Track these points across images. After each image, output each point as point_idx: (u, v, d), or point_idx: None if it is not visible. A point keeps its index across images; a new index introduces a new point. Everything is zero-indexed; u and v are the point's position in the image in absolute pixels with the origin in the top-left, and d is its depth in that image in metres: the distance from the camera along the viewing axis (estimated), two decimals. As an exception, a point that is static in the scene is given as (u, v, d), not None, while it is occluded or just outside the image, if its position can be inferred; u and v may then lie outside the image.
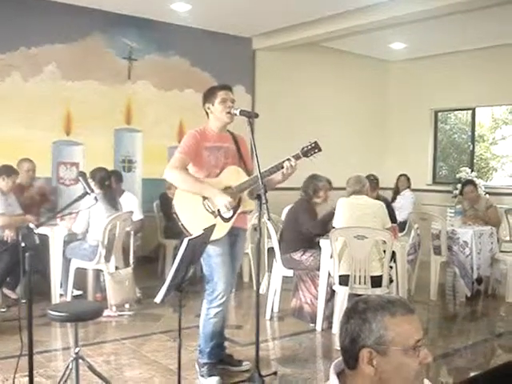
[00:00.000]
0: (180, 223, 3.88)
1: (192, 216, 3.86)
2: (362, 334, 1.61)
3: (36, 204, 6.49)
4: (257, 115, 4.11)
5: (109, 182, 6.05)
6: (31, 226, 2.99)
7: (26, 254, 2.93)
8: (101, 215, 5.68)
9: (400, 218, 7.83)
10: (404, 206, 8.64)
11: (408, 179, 9.07)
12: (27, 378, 3.05)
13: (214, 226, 3.62)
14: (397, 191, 9.03)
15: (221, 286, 3.95)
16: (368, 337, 1.60)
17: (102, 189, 5.78)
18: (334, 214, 5.27)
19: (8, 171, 5.89)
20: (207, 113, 4.08)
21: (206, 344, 4.07)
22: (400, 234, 6.62)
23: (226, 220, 3.91)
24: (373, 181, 6.45)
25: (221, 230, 3.87)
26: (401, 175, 9.15)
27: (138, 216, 6.84)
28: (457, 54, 9.97)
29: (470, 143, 10.74)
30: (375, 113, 11.10)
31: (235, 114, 3.95)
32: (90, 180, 5.39)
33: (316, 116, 9.95)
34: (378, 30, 8.53)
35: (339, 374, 1.69)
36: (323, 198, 5.62)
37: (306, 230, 5.44)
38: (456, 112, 11.31)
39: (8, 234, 5.73)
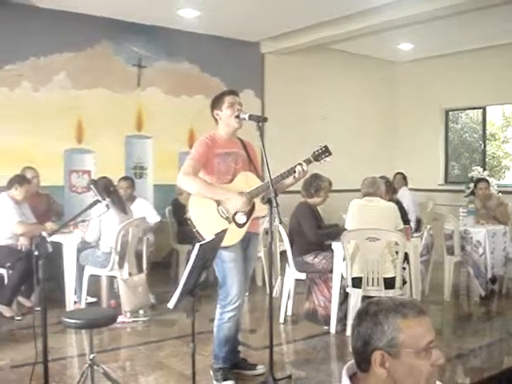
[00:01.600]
0: (195, 229, 3.89)
1: (206, 222, 3.87)
2: (374, 337, 1.61)
3: (45, 212, 6.53)
4: (266, 119, 4.12)
5: (113, 188, 6.06)
6: (44, 234, 3.02)
7: (40, 262, 2.95)
8: (113, 222, 5.71)
9: (413, 218, 7.81)
10: (409, 206, 8.50)
11: (404, 177, 8.89)
12: (43, 386, 3.08)
13: (226, 230, 3.64)
14: (394, 190, 8.84)
15: (234, 290, 3.96)
16: (380, 339, 1.60)
17: (108, 196, 5.77)
18: (339, 232, 5.27)
19: (20, 180, 5.94)
20: (216, 119, 4.11)
21: (221, 349, 4.07)
22: (416, 234, 6.60)
23: (241, 226, 3.93)
24: (386, 183, 6.43)
25: (235, 236, 3.89)
26: (396, 173, 8.89)
27: (155, 218, 6.94)
28: (466, 52, 9.92)
29: (481, 142, 10.69)
30: (385, 114, 11.08)
31: (244, 119, 3.98)
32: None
33: (326, 117, 9.94)
34: (385, 31, 8.52)
35: (352, 377, 1.69)
36: (323, 198, 5.64)
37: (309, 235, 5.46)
38: (467, 111, 11.27)
39: (22, 243, 5.77)
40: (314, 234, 5.43)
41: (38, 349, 3.10)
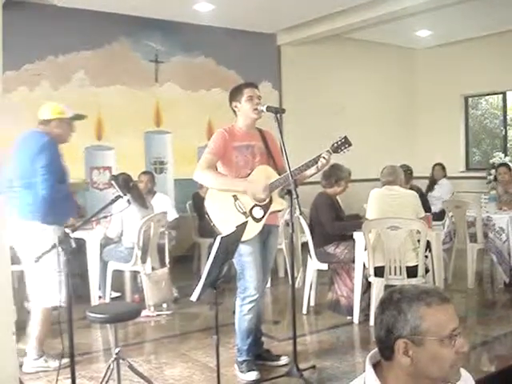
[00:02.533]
0: (212, 224, 3.92)
1: (224, 217, 3.89)
2: (398, 325, 1.61)
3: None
4: (283, 111, 4.12)
5: (133, 184, 6.09)
6: (67, 230, 3.05)
7: (64, 258, 2.99)
8: (134, 217, 5.75)
9: (438, 207, 7.80)
10: (442, 195, 8.54)
11: (443, 168, 8.95)
12: (70, 380, 3.12)
13: (247, 223, 3.66)
14: (433, 181, 8.92)
15: (252, 283, 3.98)
16: (403, 327, 1.60)
17: (129, 191, 5.80)
18: (357, 224, 5.25)
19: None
20: (234, 111, 4.12)
21: (243, 342, 4.10)
22: (440, 222, 6.56)
23: (258, 220, 3.93)
24: (406, 172, 6.40)
25: (252, 231, 3.90)
26: (435, 165, 9.01)
27: (173, 215, 6.97)
28: (484, 38, 9.81)
29: (502, 128, 10.59)
30: (404, 102, 11.00)
31: (262, 111, 3.97)
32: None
33: (344, 107, 9.89)
34: (403, 18, 8.45)
35: (375, 365, 1.70)
36: (343, 188, 5.63)
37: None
38: (487, 97, 11.15)
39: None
40: (332, 227, 5.42)
41: (64, 344, 3.14)
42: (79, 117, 4.61)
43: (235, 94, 4.10)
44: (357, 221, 5.51)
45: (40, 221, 4.14)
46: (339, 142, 4.03)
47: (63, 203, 4.23)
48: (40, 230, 4.08)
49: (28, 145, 4.25)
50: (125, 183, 5.79)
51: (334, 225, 5.41)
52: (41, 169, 4.10)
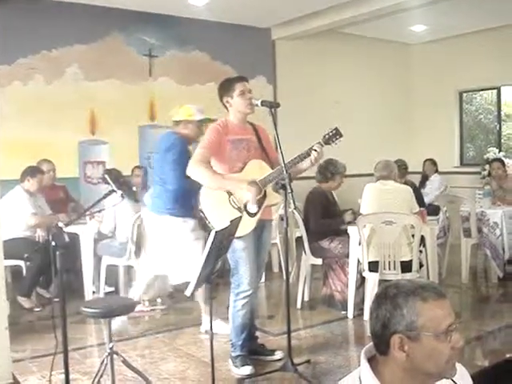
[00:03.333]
0: (207, 221, 3.90)
1: (218, 213, 3.86)
2: (393, 320, 1.60)
3: (62, 204, 6.56)
4: (278, 105, 4.09)
5: (123, 179, 6.07)
6: (60, 225, 3.03)
7: (57, 253, 2.97)
8: (127, 212, 5.73)
9: (426, 200, 7.79)
10: (432, 190, 8.55)
11: (434, 163, 8.97)
12: (63, 375, 3.10)
13: (241, 217, 3.63)
14: (425, 176, 8.94)
15: (246, 278, 3.97)
16: (399, 322, 1.59)
17: (120, 186, 5.77)
18: (341, 223, 5.27)
19: (32, 172, 5.98)
20: (226, 106, 4.08)
21: (237, 337, 4.09)
22: (435, 218, 6.57)
23: (252, 215, 3.92)
24: (401, 167, 6.40)
25: (247, 226, 3.88)
26: (426, 160, 9.04)
27: None
28: (479, 33, 9.80)
29: (496, 123, 10.59)
30: (399, 97, 10.98)
31: (256, 105, 3.95)
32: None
33: (338, 101, 9.88)
34: (397, 13, 8.43)
35: (370, 360, 1.69)
36: (338, 183, 5.64)
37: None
38: (481, 92, 11.14)
39: (40, 234, 5.82)
40: (319, 224, 5.45)
41: (57, 339, 3.12)
42: (209, 120, 4.88)
43: (226, 88, 4.06)
44: (340, 218, 5.50)
45: (168, 214, 4.57)
46: (330, 134, 3.98)
47: (189, 196, 4.51)
48: (169, 223, 4.46)
49: (161, 144, 4.77)
50: (116, 178, 5.77)
51: (319, 222, 5.44)
52: (168, 164, 4.52)
